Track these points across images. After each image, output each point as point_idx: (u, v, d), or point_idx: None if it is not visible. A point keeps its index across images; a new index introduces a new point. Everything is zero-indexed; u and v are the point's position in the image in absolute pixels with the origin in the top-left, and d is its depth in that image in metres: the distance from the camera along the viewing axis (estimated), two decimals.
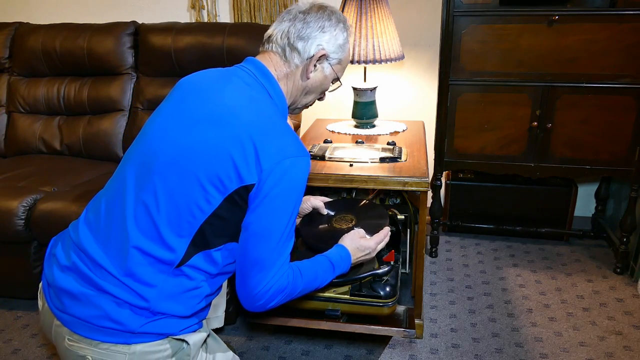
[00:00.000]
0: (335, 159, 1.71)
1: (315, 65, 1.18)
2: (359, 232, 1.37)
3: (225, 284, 1.31)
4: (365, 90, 2.06)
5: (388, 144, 1.86)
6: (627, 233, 2.15)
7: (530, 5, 1.96)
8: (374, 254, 1.37)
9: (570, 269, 2.24)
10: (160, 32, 2.30)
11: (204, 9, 2.55)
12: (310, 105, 1.29)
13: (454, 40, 2.04)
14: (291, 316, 1.56)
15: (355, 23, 1.94)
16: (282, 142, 1.03)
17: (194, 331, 1.08)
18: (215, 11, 2.55)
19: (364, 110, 2.08)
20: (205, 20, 2.56)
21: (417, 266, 1.64)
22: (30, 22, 2.54)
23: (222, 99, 1.06)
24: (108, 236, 1.04)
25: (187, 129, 1.04)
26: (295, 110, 1.27)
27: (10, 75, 2.49)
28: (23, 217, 1.84)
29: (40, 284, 1.12)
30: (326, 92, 1.29)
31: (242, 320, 1.94)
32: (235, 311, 1.87)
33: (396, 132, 2.06)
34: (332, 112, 2.59)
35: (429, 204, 2.21)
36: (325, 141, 1.91)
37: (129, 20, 2.42)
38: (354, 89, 2.09)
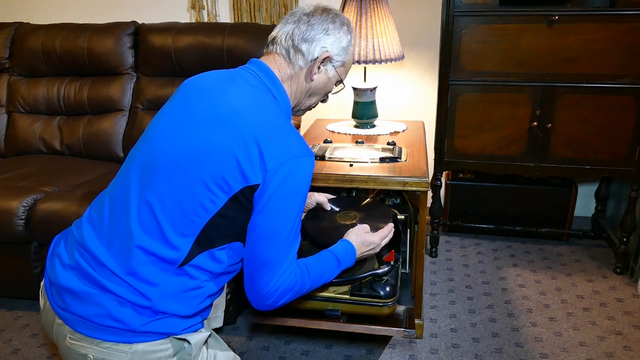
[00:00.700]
0: (335, 159, 1.72)
1: (319, 68, 1.18)
2: (364, 227, 1.37)
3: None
4: (365, 90, 2.06)
5: (388, 144, 1.86)
6: (627, 233, 2.15)
7: (530, 5, 1.96)
8: (378, 249, 1.37)
9: (570, 269, 2.24)
10: (160, 32, 2.31)
11: (204, 9, 2.55)
12: (314, 107, 1.30)
13: (454, 40, 2.04)
14: (291, 316, 1.56)
15: (355, 23, 1.95)
16: (287, 142, 1.03)
17: (196, 331, 1.08)
18: (215, 11, 2.55)
19: (364, 110, 2.09)
20: (205, 20, 2.56)
21: (417, 266, 1.64)
22: (30, 22, 2.54)
23: (226, 100, 1.06)
24: (111, 235, 1.04)
25: (191, 129, 1.04)
26: (299, 112, 1.28)
27: (10, 75, 2.49)
28: (23, 217, 1.84)
29: (42, 283, 1.13)
30: (329, 95, 1.29)
31: (242, 320, 1.94)
32: (235, 311, 1.87)
33: (396, 132, 2.06)
34: (332, 112, 2.59)
35: (429, 204, 2.21)
36: (325, 141, 1.91)
37: (129, 20, 2.42)
38: (354, 89, 2.09)
